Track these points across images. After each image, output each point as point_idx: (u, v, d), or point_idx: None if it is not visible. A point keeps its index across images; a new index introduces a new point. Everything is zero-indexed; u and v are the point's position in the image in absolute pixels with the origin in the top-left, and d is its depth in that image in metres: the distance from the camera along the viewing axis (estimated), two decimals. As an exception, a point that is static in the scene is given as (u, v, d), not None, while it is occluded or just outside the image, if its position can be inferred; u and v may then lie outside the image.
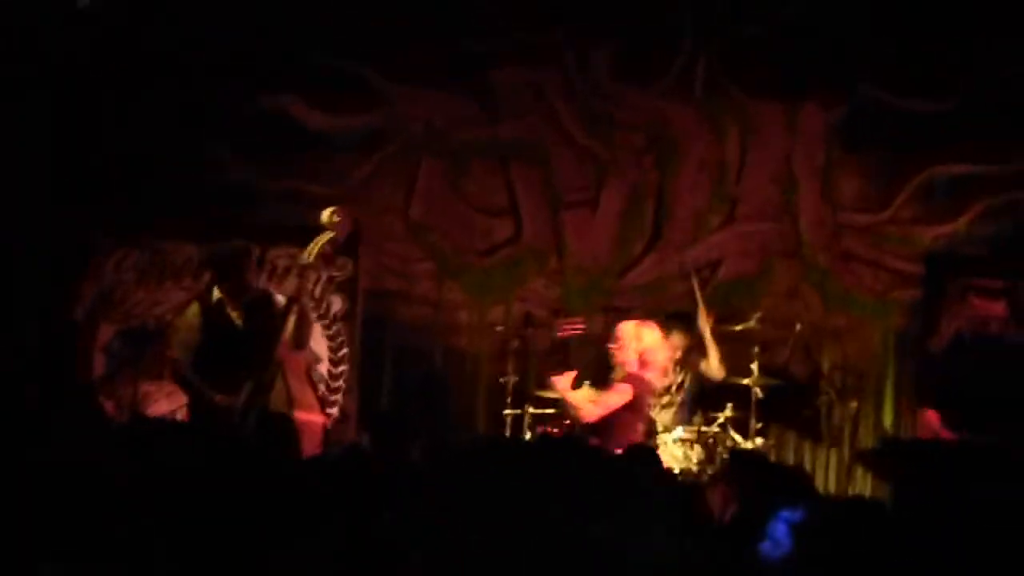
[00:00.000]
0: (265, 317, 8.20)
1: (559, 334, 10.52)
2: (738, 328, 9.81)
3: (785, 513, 3.55)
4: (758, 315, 9.85)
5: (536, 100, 11.01)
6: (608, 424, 8.83)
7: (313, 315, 10.28)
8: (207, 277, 8.68)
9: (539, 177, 11.06)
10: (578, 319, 10.47)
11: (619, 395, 8.89)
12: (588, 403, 8.97)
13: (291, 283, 9.29)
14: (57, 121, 10.33)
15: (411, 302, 11.05)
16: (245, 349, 8.11)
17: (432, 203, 11.04)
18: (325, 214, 8.29)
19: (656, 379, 9.18)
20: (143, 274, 10.37)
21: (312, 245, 8.23)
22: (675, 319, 9.97)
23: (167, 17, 10.51)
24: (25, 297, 10.14)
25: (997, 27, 10.28)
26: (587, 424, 8.88)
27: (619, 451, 8.61)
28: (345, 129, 10.97)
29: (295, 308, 8.16)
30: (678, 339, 9.83)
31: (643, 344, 9.09)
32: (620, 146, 11.02)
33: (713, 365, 9.75)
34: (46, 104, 10.25)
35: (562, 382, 9.13)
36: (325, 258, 8.43)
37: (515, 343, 10.41)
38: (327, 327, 10.40)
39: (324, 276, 10.34)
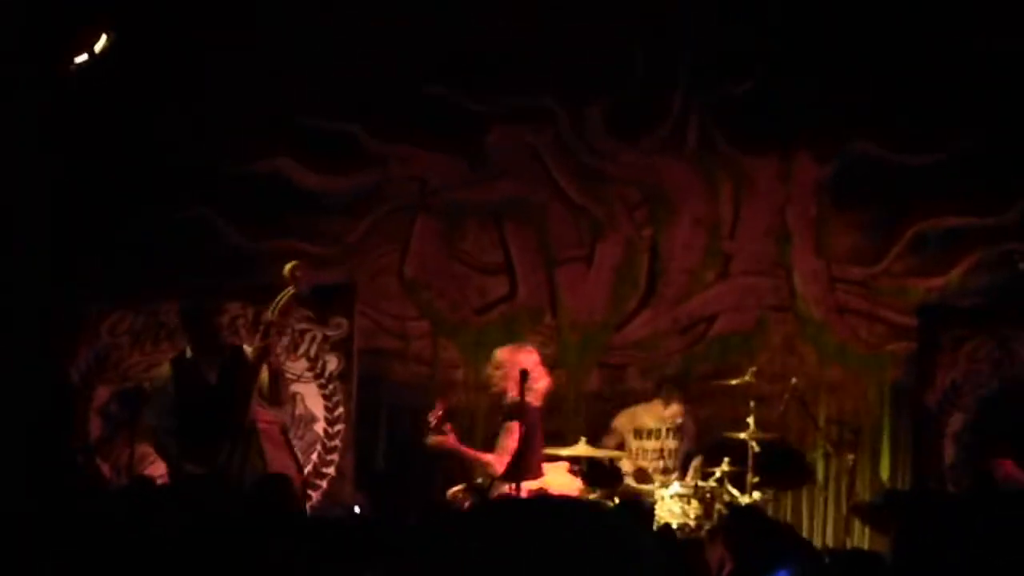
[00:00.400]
0: (238, 374, 8.12)
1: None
2: (734, 383, 9.80)
3: (783, 569, 3.56)
4: (753, 369, 9.83)
5: (529, 158, 11.05)
6: (516, 464, 8.82)
7: (311, 376, 10.27)
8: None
9: (533, 234, 11.09)
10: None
11: (511, 436, 8.90)
12: (492, 456, 8.98)
13: (278, 342, 9.23)
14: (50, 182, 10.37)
15: (406, 361, 11.04)
16: (220, 408, 8.04)
17: (426, 262, 11.06)
18: (286, 269, 8.18)
19: (536, 399, 9.11)
20: (138, 337, 10.36)
21: (274, 301, 8.14)
22: (673, 383, 10.10)
23: (159, 83, 10.55)
24: (22, 356, 10.14)
25: (988, 79, 10.33)
26: (500, 474, 8.88)
27: (534, 481, 8.68)
28: (339, 190, 11.01)
29: (265, 364, 8.08)
30: (676, 408, 9.94)
31: (522, 369, 9.02)
32: (614, 202, 11.05)
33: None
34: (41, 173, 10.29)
35: (449, 443, 9.15)
36: (285, 313, 8.32)
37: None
38: (323, 386, 10.38)
39: (320, 335, 10.33)
